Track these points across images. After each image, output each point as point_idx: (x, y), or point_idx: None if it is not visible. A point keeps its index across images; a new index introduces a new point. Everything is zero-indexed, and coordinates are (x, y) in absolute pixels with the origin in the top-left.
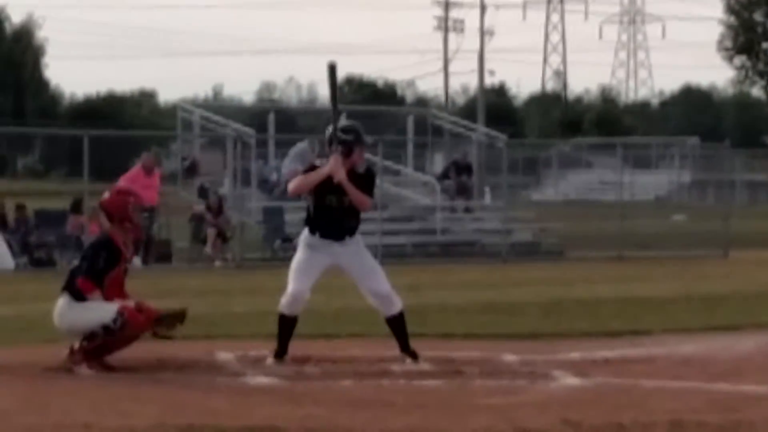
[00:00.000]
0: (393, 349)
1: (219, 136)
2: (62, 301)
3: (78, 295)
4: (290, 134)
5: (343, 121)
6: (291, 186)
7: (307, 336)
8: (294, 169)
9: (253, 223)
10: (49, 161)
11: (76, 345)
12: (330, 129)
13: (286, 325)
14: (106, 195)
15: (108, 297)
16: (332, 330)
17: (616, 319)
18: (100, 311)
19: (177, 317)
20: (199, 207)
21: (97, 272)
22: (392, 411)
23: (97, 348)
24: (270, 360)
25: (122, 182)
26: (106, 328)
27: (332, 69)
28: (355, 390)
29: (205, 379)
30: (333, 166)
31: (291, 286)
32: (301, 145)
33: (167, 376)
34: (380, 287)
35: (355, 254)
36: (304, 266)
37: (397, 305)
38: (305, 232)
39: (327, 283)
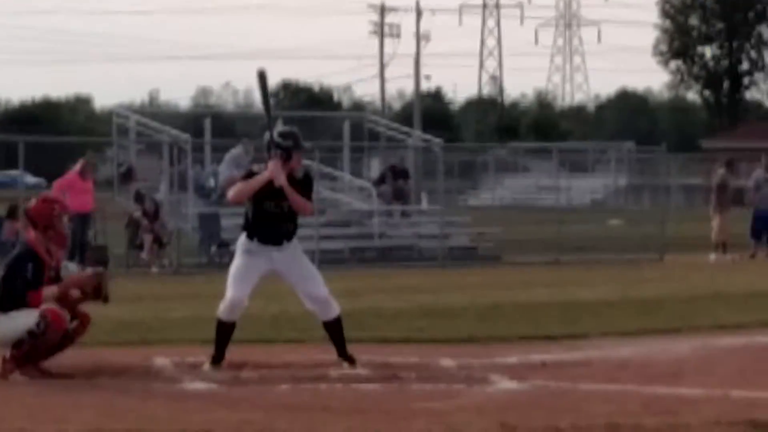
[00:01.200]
0: (330, 353)
1: (155, 142)
2: None
3: (3, 306)
4: (227, 139)
5: (280, 127)
6: (231, 194)
7: (244, 341)
8: (231, 176)
9: (189, 229)
10: None
11: (7, 354)
12: (267, 135)
13: (224, 331)
14: (32, 202)
15: (34, 304)
16: (269, 335)
17: (553, 323)
18: (24, 318)
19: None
20: (136, 213)
21: (34, 283)
22: (329, 416)
23: (26, 354)
24: (207, 366)
25: (57, 187)
26: (31, 333)
27: (262, 76)
28: (292, 395)
29: (141, 384)
30: (273, 170)
31: (229, 293)
32: (235, 151)
33: (103, 381)
34: (318, 291)
35: (292, 259)
36: (243, 272)
37: (334, 310)
38: (242, 237)
39: (264, 289)
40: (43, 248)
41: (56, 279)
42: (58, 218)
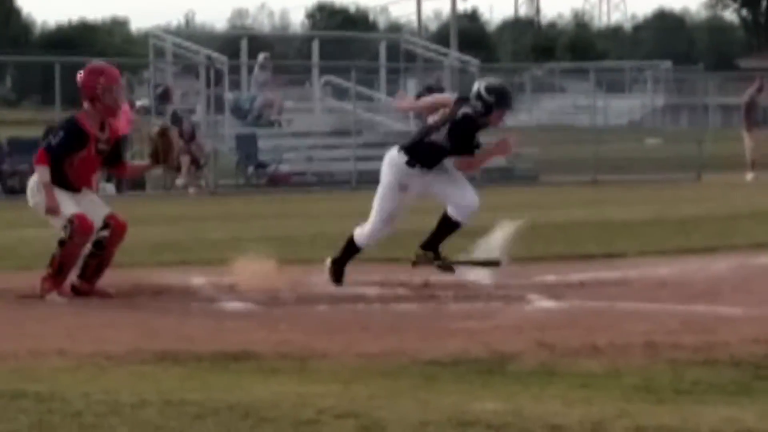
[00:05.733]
0: (369, 274)
1: (191, 63)
2: (32, 181)
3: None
4: None
5: (490, 80)
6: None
7: (282, 261)
8: (267, 99)
9: (226, 150)
10: (21, 90)
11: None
12: (476, 85)
13: (355, 252)
14: (81, 73)
15: (74, 179)
16: (307, 255)
17: (590, 242)
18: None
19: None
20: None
21: (51, 149)
22: (368, 335)
23: (58, 269)
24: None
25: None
26: (60, 242)
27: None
28: (331, 314)
29: (180, 304)
30: (496, 149)
31: (379, 227)
32: (255, 73)
33: (142, 301)
34: (471, 199)
35: (443, 173)
36: (396, 211)
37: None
38: (401, 160)
39: (302, 209)
40: (91, 121)
41: (112, 155)
42: (104, 90)
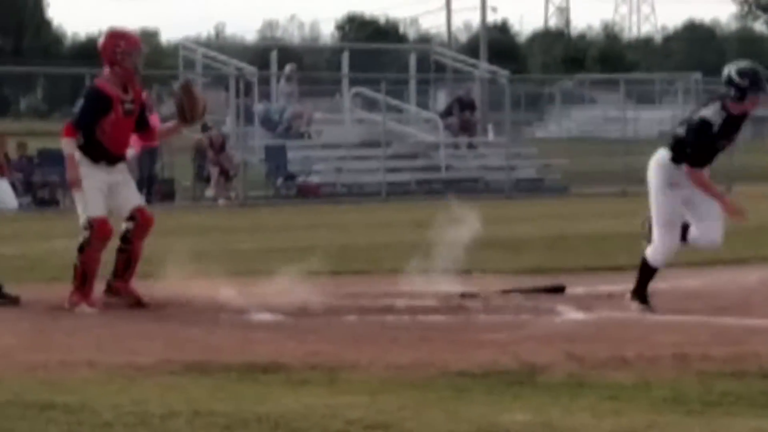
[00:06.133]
0: (396, 285)
1: (221, 75)
2: None
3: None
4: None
5: (740, 63)
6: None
7: (311, 272)
8: (296, 111)
9: (255, 162)
10: (51, 101)
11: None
12: (726, 70)
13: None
14: (101, 37)
15: (110, 146)
16: (337, 266)
17: (620, 254)
18: (83, 204)
19: None
20: (199, 135)
21: (75, 118)
22: (397, 346)
23: (82, 279)
24: (634, 305)
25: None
26: (79, 248)
27: None
28: (360, 326)
29: (209, 315)
30: None
31: (668, 240)
32: (281, 84)
33: (171, 313)
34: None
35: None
36: (677, 214)
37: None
38: (666, 159)
39: (332, 221)
40: (112, 84)
41: (140, 120)
42: (123, 55)
